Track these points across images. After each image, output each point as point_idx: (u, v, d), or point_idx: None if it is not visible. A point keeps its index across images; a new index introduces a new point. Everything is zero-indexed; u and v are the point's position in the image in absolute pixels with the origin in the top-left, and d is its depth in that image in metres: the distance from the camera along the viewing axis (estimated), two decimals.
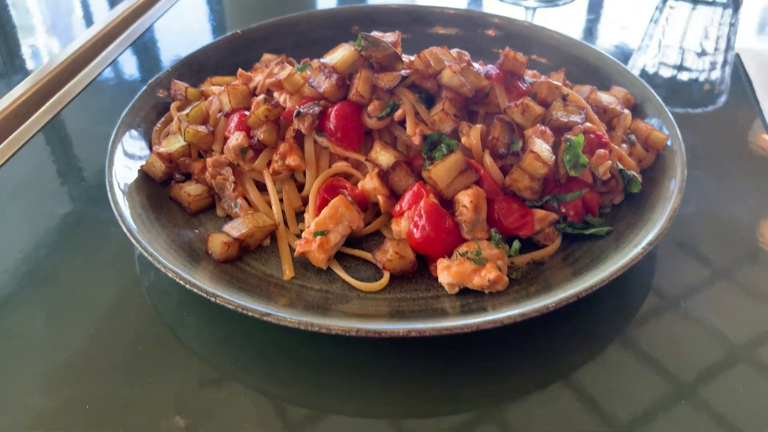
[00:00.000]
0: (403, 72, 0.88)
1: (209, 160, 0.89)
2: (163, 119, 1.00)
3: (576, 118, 0.85)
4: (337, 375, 0.68)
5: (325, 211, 0.79)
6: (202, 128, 0.94)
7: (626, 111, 0.92)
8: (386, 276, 0.76)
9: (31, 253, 0.83)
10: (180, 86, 1.03)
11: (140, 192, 0.85)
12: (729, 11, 1.38)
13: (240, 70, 1.02)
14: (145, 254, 0.71)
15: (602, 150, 0.82)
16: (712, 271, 0.79)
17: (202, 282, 0.69)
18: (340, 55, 0.91)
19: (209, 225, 0.85)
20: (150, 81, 1.04)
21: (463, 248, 0.75)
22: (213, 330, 0.72)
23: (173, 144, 0.91)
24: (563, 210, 0.80)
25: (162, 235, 0.78)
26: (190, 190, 0.86)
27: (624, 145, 0.88)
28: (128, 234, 0.74)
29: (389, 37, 0.94)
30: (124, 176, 0.85)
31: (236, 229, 0.79)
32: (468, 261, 0.73)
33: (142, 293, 0.77)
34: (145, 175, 0.88)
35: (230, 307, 0.66)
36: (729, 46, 1.31)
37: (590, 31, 1.44)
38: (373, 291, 0.75)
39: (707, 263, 0.80)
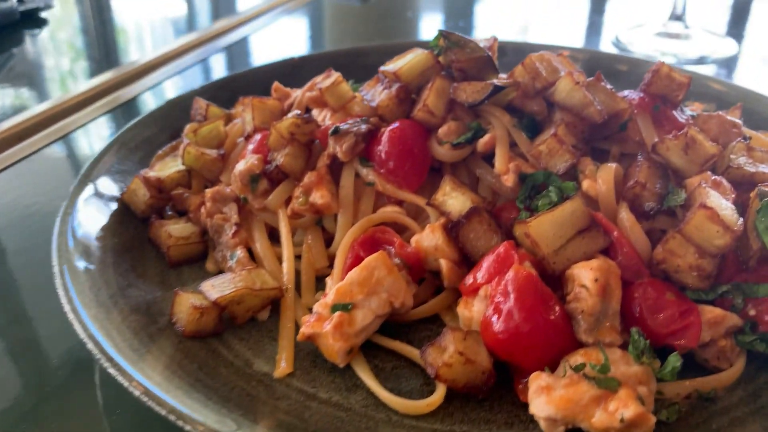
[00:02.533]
0: (497, 81, 0.60)
1: (208, 191, 0.69)
2: (172, 143, 0.80)
3: None
4: None
5: (353, 274, 0.58)
6: (210, 151, 0.73)
7: None
8: (440, 391, 0.54)
9: None
10: (201, 104, 0.82)
11: (111, 232, 0.66)
12: None
13: (276, 84, 0.81)
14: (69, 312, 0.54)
15: None
16: None
17: (138, 368, 0.50)
18: (408, 59, 0.65)
19: (193, 283, 0.64)
20: (170, 99, 0.86)
21: (577, 357, 0.53)
22: None
23: (168, 168, 0.73)
24: (752, 312, 0.57)
25: (111, 286, 0.60)
26: (174, 230, 0.68)
27: None
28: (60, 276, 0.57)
29: (483, 42, 0.67)
30: (90, 209, 0.68)
31: (218, 288, 0.59)
32: (585, 381, 0.50)
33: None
34: (125, 209, 0.70)
35: (171, 417, 0.47)
36: None
37: None
38: (417, 414, 0.53)
39: None
